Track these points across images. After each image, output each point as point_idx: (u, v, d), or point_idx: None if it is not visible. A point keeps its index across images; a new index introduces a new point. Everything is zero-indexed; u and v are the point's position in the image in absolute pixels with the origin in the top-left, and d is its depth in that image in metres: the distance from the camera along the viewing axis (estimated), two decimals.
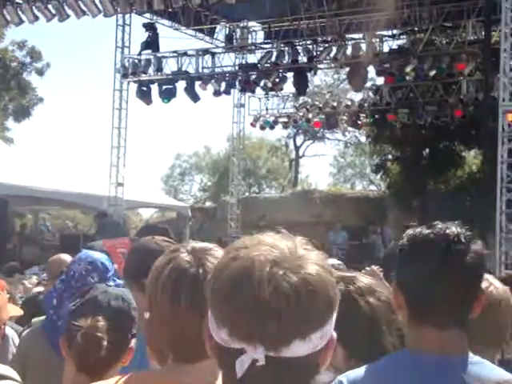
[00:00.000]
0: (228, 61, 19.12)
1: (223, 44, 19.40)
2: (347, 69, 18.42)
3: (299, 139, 42.48)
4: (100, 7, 16.30)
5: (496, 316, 2.43)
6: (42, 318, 3.72)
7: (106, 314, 2.24)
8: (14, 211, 21.77)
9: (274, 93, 20.31)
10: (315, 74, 20.74)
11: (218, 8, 17.54)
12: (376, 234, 17.70)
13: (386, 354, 1.99)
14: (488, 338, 2.40)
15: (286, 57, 17.32)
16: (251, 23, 19.81)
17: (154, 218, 38.54)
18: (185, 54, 18.48)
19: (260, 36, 19.59)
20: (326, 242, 17.37)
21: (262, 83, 18.39)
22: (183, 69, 18.36)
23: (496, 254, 12.28)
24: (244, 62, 18.90)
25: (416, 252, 1.92)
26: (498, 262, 12.18)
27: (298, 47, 17.42)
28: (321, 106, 21.21)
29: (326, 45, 17.22)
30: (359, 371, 1.93)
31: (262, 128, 21.98)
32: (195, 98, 18.46)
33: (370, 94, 20.84)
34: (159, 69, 18.16)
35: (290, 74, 17.86)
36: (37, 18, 16.76)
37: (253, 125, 21.92)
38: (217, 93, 18.39)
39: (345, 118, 21.12)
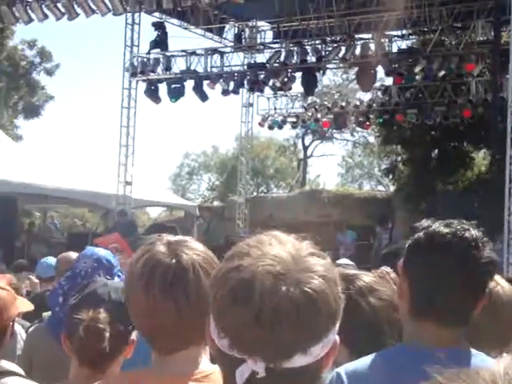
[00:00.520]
0: (237, 60, 19.16)
1: (232, 43, 19.41)
2: (356, 69, 18.39)
3: (307, 139, 42.47)
4: (109, 6, 16.36)
5: (502, 315, 2.43)
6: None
7: (106, 306, 2.25)
8: (22, 209, 21.86)
9: (282, 92, 20.29)
10: (324, 73, 20.72)
11: (226, 7, 17.56)
12: (384, 230, 17.53)
13: None
14: (494, 337, 2.40)
15: (295, 56, 17.29)
16: (260, 23, 19.82)
17: (161, 216, 38.59)
18: (193, 53, 18.49)
19: (269, 35, 19.60)
20: (334, 242, 17.36)
21: (270, 83, 18.38)
22: (192, 68, 18.37)
23: (504, 254, 12.26)
24: (253, 62, 18.89)
25: (431, 249, 1.91)
26: (505, 263, 12.16)
27: (307, 47, 17.40)
28: (329, 105, 21.16)
29: (335, 45, 17.19)
30: (357, 363, 1.94)
31: (271, 128, 21.95)
32: (204, 97, 18.46)
33: (379, 94, 20.80)
34: (168, 68, 18.17)
35: (298, 74, 17.83)
36: (46, 17, 16.83)
37: (261, 124, 21.90)
38: (225, 92, 18.39)
39: (353, 118, 21.09)
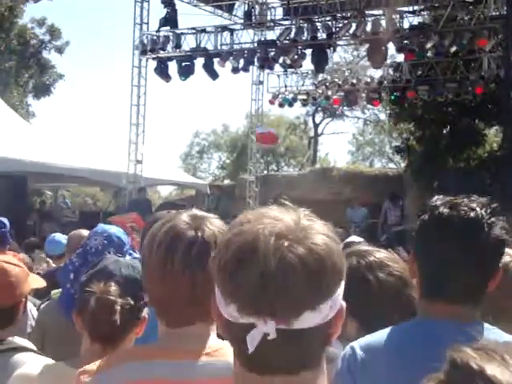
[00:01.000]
0: (247, 37, 19.03)
1: (242, 20, 19.27)
2: (367, 45, 18.25)
3: (318, 117, 42.35)
4: None
5: None
6: (61, 290, 3.74)
7: (117, 281, 2.25)
8: (33, 188, 21.94)
9: (292, 70, 20.16)
10: (334, 50, 20.57)
11: None
12: (395, 206, 17.43)
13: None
14: (509, 313, 2.38)
15: (305, 33, 17.17)
16: None
17: (172, 195, 38.71)
18: (203, 30, 18.39)
19: (279, 12, 19.45)
20: (344, 220, 17.33)
21: (280, 60, 18.28)
22: (202, 46, 18.28)
23: None
24: (263, 39, 18.77)
25: (436, 225, 1.90)
26: None
27: (317, 24, 17.27)
28: (340, 83, 21.05)
29: (346, 21, 17.05)
30: (371, 337, 1.94)
31: (281, 105, 21.86)
32: (214, 75, 18.39)
33: (390, 71, 20.64)
34: (178, 45, 18.09)
35: (309, 51, 17.71)
36: None
37: (271, 102, 21.80)
38: (235, 70, 18.30)
39: (364, 95, 20.97)
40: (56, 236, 6.47)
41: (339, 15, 17.28)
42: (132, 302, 2.23)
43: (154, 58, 18.40)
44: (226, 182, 37.00)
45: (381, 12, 17.13)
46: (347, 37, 17.48)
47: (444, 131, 21.69)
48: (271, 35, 18.72)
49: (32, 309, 3.98)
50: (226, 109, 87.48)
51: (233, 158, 46.41)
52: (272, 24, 19.15)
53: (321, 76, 21.66)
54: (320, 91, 21.45)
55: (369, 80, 20.64)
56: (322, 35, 17.12)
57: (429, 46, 16.95)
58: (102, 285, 2.22)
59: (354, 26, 16.70)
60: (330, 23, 17.21)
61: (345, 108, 33.51)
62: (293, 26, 17.61)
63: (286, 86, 21.51)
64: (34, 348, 2.75)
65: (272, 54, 17.99)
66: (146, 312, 2.30)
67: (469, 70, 18.66)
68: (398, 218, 17.07)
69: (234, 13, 19.51)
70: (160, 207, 17.45)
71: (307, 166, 37.66)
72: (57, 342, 3.26)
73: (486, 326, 1.89)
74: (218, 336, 1.73)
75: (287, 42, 17.49)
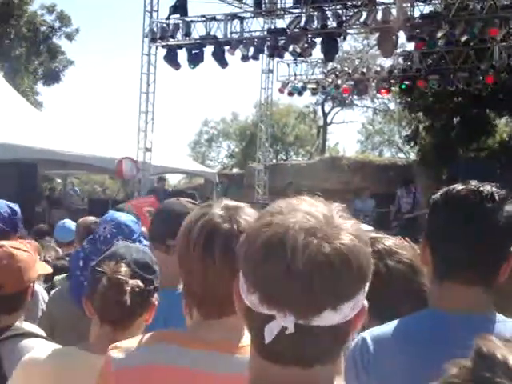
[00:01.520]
0: (256, 26, 18.95)
1: (252, 8, 19.19)
2: (377, 34, 18.15)
3: (327, 106, 42.24)
4: None
5: None
6: (63, 276, 3.73)
7: (127, 263, 2.26)
8: (42, 175, 21.99)
9: (302, 58, 20.10)
10: (345, 39, 20.47)
11: None
12: (408, 193, 17.36)
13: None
14: None
15: (315, 22, 17.09)
16: None
17: (181, 183, 38.73)
18: (213, 18, 18.33)
19: (289, 0, 19.31)
20: (352, 210, 17.30)
21: (290, 48, 18.21)
22: (211, 33, 18.23)
23: None
24: (273, 27, 18.70)
25: (447, 206, 1.89)
26: None
27: (328, 12, 17.17)
28: (350, 72, 20.97)
29: (356, 9, 16.94)
30: (383, 328, 1.92)
31: (290, 94, 21.80)
32: (223, 63, 18.35)
33: (400, 60, 20.54)
34: (187, 33, 18.05)
35: (318, 40, 17.63)
36: None
37: (281, 91, 21.74)
38: (245, 58, 18.25)
39: (374, 84, 20.88)
40: (66, 223, 6.45)
41: (349, 3, 17.18)
42: (142, 285, 2.23)
43: (163, 46, 18.37)
44: (235, 170, 37.00)
45: (391, 0, 17.03)
46: (357, 25, 17.37)
47: (454, 121, 21.62)
48: (281, 23, 18.66)
49: (43, 293, 3.99)
50: (235, 97, 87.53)
51: (242, 147, 46.39)
52: (282, 12, 19.05)
53: (330, 65, 21.59)
54: (330, 80, 21.38)
55: (379, 69, 20.55)
56: (332, 24, 17.02)
57: (439, 35, 16.85)
58: (113, 264, 2.23)
59: (364, 14, 16.60)
60: (340, 11, 17.11)
61: (354, 97, 33.41)
62: (303, 15, 17.52)
63: (295, 75, 21.45)
64: (43, 334, 2.76)
65: (282, 42, 17.92)
66: (155, 298, 2.30)
67: (480, 60, 18.54)
68: (410, 206, 17.00)
69: (243, 1, 19.42)
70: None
71: (316, 155, 37.58)
72: (66, 328, 3.27)
73: (501, 317, 1.87)
74: None
75: (297, 30, 17.42)
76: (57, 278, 3.64)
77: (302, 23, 17.20)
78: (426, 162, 21.16)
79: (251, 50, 18.21)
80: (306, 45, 17.72)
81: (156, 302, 2.30)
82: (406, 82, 19.89)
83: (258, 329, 1.18)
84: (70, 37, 34.53)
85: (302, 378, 1.20)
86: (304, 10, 17.66)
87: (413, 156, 28.43)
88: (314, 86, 21.68)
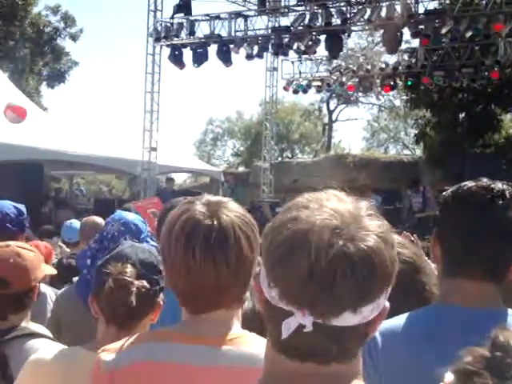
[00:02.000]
0: (261, 24, 18.97)
1: (256, 7, 19.18)
2: (381, 31, 18.11)
3: (332, 103, 42.19)
4: None
5: None
6: None
7: (133, 263, 2.26)
8: (49, 176, 22.04)
9: (307, 56, 20.06)
10: (349, 36, 20.45)
11: None
12: (416, 193, 17.35)
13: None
14: None
15: (320, 19, 17.05)
16: None
17: (187, 183, 38.74)
18: (217, 17, 18.32)
19: None
20: None
21: (295, 46, 18.19)
22: (216, 32, 18.23)
23: None
24: (277, 25, 18.70)
25: (458, 203, 1.89)
26: None
27: (332, 9, 17.14)
28: (355, 69, 20.93)
29: (360, 6, 16.90)
30: (391, 322, 1.91)
31: (295, 92, 21.78)
32: (228, 61, 18.34)
33: (405, 56, 20.49)
34: (192, 32, 18.05)
35: (323, 37, 17.59)
36: None
37: (286, 89, 21.73)
38: (249, 56, 18.24)
39: (379, 81, 20.82)
40: (73, 223, 6.45)
41: (354, 0, 17.14)
42: (148, 286, 2.23)
43: (167, 45, 18.38)
44: (241, 169, 36.99)
45: None
46: (362, 22, 17.34)
47: (460, 117, 21.57)
48: (285, 21, 18.66)
49: (51, 294, 3.99)
50: (240, 96, 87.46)
51: (247, 145, 46.36)
52: (286, 10, 19.04)
53: (335, 62, 21.55)
54: (334, 77, 21.34)
55: (383, 66, 20.50)
56: (336, 21, 16.99)
57: (444, 30, 16.80)
58: (119, 265, 2.23)
59: (368, 11, 16.57)
60: (344, 9, 17.07)
61: (359, 94, 33.36)
62: (307, 12, 17.49)
63: (300, 73, 21.43)
64: (49, 334, 2.76)
65: (286, 40, 17.90)
66: (161, 298, 2.30)
67: (485, 55, 18.49)
68: (420, 205, 17.00)
69: None
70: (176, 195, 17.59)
71: (321, 152, 37.57)
72: (73, 327, 3.27)
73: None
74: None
75: (301, 28, 17.39)
76: (75, 279, 3.64)
77: (306, 21, 17.17)
78: (432, 158, 21.13)
79: (255, 49, 18.19)
80: (310, 42, 17.70)
81: (161, 302, 2.30)
82: (411, 79, 19.83)
83: (276, 323, 1.17)
84: (74, 37, 34.57)
85: (317, 375, 1.19)
86: (308, 8, 17.63)
87: (419, 153, 28.38)
88: (319, 83, 21.64)
